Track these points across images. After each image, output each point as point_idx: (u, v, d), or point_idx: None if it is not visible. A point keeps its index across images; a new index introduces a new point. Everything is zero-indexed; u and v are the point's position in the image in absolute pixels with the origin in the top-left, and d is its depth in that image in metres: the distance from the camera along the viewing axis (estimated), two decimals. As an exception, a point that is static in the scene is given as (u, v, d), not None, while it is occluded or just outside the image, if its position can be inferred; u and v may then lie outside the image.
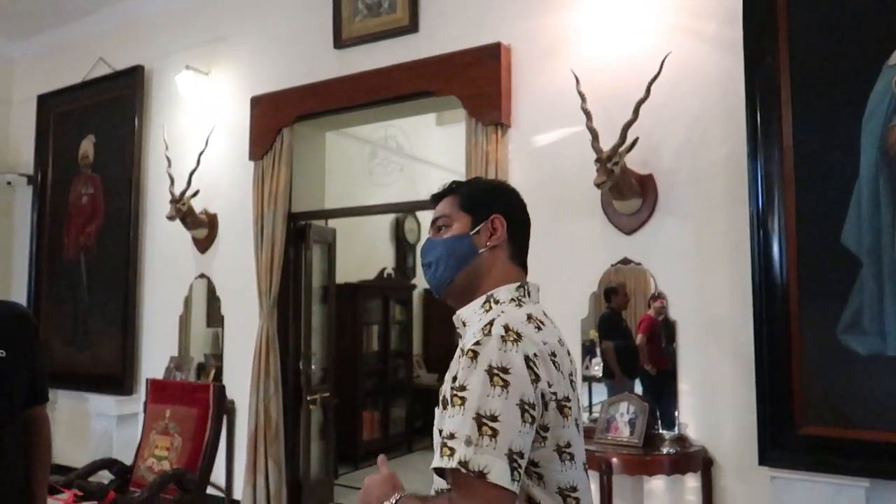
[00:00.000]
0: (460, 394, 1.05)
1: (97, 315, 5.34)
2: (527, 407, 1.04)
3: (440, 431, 1.12)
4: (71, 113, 5.67)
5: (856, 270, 2.64)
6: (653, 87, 3.03)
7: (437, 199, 1.38)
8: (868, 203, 2.63)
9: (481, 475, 0.98)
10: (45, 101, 5.86)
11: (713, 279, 3.12)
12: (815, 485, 2.64)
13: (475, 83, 3.70)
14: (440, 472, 1.10)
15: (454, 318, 1.30)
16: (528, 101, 3.66)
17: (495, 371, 1.05)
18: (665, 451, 2.99)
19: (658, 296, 3.28)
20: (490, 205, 1.32)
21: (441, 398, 1.18)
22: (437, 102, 4.12)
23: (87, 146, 5.55)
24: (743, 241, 2.89)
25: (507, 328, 1.10)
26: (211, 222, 4.89)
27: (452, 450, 1.01)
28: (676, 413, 3.16)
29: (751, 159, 2.85)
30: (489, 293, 1.25)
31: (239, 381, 4.47)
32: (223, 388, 3.08)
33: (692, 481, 3.06)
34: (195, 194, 4.66)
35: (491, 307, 1.23)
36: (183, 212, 4.63)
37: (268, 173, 4.52)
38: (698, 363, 3.13)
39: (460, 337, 1.28)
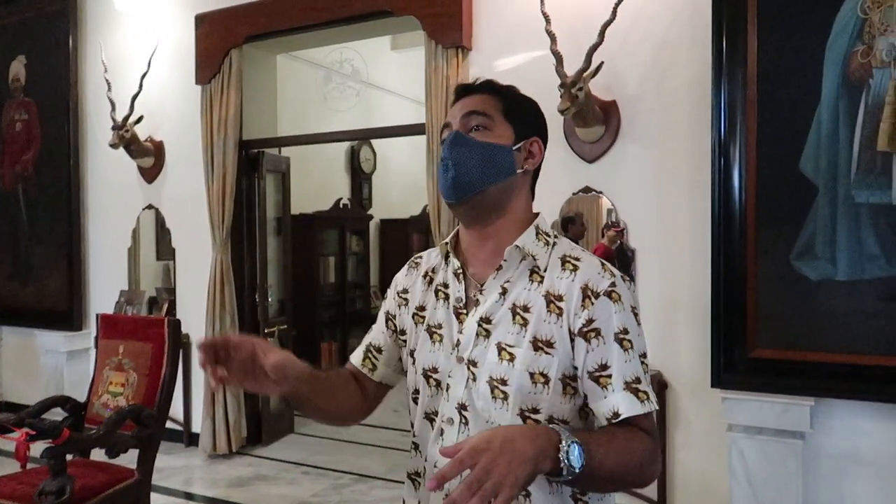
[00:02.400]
0: (626, 337, 1.05)
1: (40, 248, 5.12)
2: None
3: (531, 374, 1.06)
4: (-3, 31, 5.26)
5: (812, 197, 2.68)
6: (619, 9, 2.95)
7: (468, 90, 1.19)
8: (827, 129, 2.65)
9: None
10: (-34, 19, 5.41)
11: (673, 207, 3.13)
12: (763, 404, 2.75)
13: (434, 2, 3.55)
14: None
15: (510, 249, 1.12)
16: (490, 22, 3.53)
17: (635, 311, 1.09)
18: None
19: (612, 224, 3.30)
20: (533, 124, 1.19)
21: (529, 343, 1.07)
22: (394, 24, 3.95)
23: (17, 68, 5.18)
24: (704, 169, 2.90)
25: (618, 271, 1.12)
26: (157, 150, 4.67)
27: (646, 393, 1.05)
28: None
29: (715, 85, 2.82)
30: (535, 224, 1.16)
31: (193, 314, 4.38)
32: (178, 322, 3.00)
33: (647, 403, 3.15)
34: (139, 120, 4.42)
35: (547, 241, 1.15)
36: (126, 139, 4.41)
37: (216, 98, 4.30)
38: (656, 290, 3.18)
39: (499, 268, 1.13)
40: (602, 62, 2.96)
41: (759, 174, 2.75)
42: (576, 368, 1.07)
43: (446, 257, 1.21)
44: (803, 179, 2.68)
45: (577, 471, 0.90)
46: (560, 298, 1.08)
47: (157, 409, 2.84)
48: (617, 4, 2.94)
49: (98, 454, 2.78)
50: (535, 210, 1.21)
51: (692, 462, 3.10)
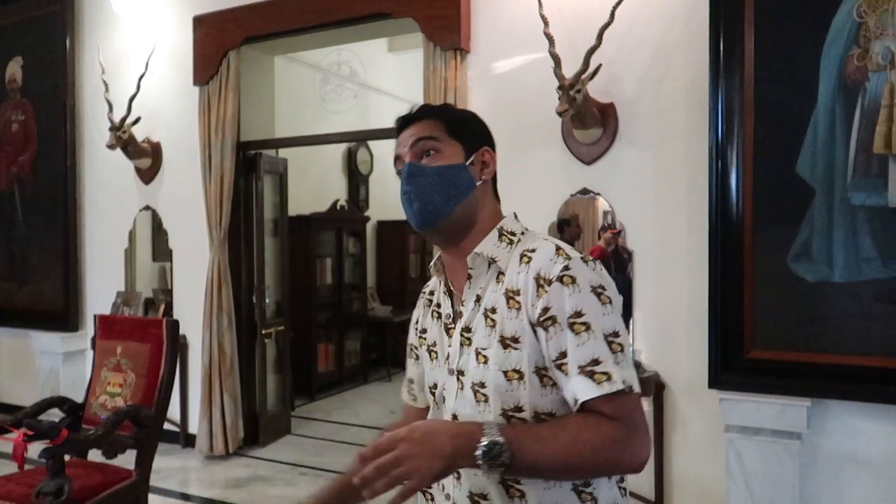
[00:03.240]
0: (579, 320, 1.02)
1: (36, 249, 5.11)
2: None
3: (505, 373, 1.06)
4: (-6, 32, 5.25)
5: (808, 199, 2.70)
6: (617, 13, 2.97)
7: (407, 121, 1.22)
8: (823, 133, 2.67)
9: (631, 389, 1.00)
10: (-37, 19, 5.39)
11: (671, 209, 3.15)
12: (760, 405, 2.76)
13: (433, 5, 3.56)
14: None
15: (471, 257, 1.15)
16: (488, 24, 3.54)
17: (598, 290, 1.05)
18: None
19: (608, 226, 3.31)
20: (477, 134, 1.22)
21: (497, 343, 1.08)
22: (393, 26, 3.96)
23: (14, 69, 5.17)
24: (701, 171, 2.91)
25: (579, 252, 1.09)
26: (154, 151, 4.66)
27: (607, 373, 0.99)
28: (631, 341, 3.24)
29: (712, 88, 2.84)
30: (499, 227, 1.17)
31: (190, 315, 4.37)
32: (177, 322, 2.99)
33: (645, 405, 3.16)
34: (136, 121, 4.42)
35: (511, 240, 1.15)
36: (124, 140, 4.40)
37: (214, 99, 4.31)
38: (654, 292, 3.19)
39: (469, 277, 1.16)
40: (600, 65, 2.97)
41: (756, 177, 2.77)
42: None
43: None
44: (800, 182, 2.70)
45: (495, 467, 0.94)
46: (517, 293, 1.08)
47: (155, 410, 2.83)
48: (615, 7, 2.96)
49: (95, 455, 2.78)
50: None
51: (690, 463, 3.12)
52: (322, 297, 6.20)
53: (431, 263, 1.26)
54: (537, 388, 1.06)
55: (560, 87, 2.94)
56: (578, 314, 1.02)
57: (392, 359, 6.86)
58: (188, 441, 4.53)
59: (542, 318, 1.04)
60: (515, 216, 1.21)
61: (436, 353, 1.22)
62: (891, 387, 2.55)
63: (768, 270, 2.76)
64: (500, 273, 1.12)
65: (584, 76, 2.95)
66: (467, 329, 1.14)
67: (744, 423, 2.79)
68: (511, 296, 1.09)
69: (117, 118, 4.39)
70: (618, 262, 3.30)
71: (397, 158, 1.21)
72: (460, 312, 1.17)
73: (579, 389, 1.00)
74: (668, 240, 3.16)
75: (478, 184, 1.17)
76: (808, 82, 2.68)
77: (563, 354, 1.02)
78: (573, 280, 1.04)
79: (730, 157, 2.81)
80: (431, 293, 1.30)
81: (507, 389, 1.07)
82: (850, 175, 2.62)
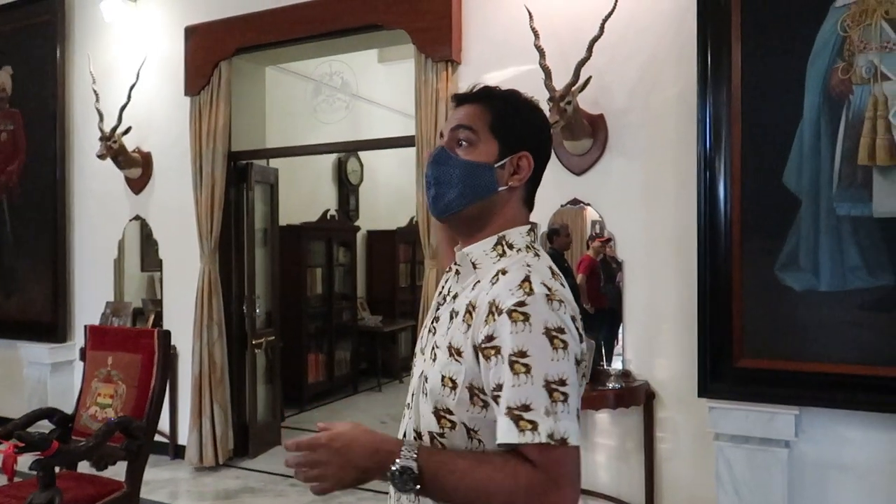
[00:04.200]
0: (521, 360, 0.96)
1: (24, 259, 5.07)
2: (577, 363, 1.02)
3: (442, 377, 1.05)
4: (-17, 41, 5.23)
5: (795, 210, 2.73)
6: (607, 25, 3.01)
7: (463, 99, 1.16)
8: (809, 144, 2.71)
9: (563, 441, 0.95)
10: (-48, 28, 5.37)
11: (660, 219, 3.18)
12: (749, 413, 2.79)
13: (425, 17, 3.59)
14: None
15: (458, 254, 1.14)
16: (479, 36, 3.58)
17: (553, 333, 0.98)
18: (610, 386, 3.10)
19: (596, 235, 3.34)
20: (523, 137, 1.14)
21: (446, 347, 1.06)
22: (384, 37, 3.99)
23: (3, 78, 5.14)
24: (690, 181, 2.95)
25: (548, 288, 1.02)
26: (145, 161, 4.66)
27: (533, 423, 0.94)
28: (621, 349, 3.27)
29: (700, 100, 2.88)
30: (500, 234, 1.12)
31: (180, 326, 4.36)
32: (168, 333, 2.99)
33: (635, 414, 3.18)
34: (127, 131, 4.41)
35: (505, 252, 1.11)
36: (114, 150, 4.40)
37: (205, 110, 4.31)
38: (643, 301, 3.22)
39: (456, 273, 1.15)
40: (590, 77, 3.01)
41: (744, 187, 2.81)
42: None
43: None
44: (787, 192, 2.74)
45: (404, 490, 0.97)
46: (474, 309, 1.05)
47: (146, 421, 2.82)
48: (605, 20, 3.01)
49: (85, 467, 2.76)
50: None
51: (679, 471, 3.14)
52: (312, 307, 6.19)
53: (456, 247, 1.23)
54: (465, 404, 1.03)
55: (550, 99, 2.97)
56: (522, 354, 0.97)
57: (382, 369, 6.86)
58: (178, 452, 4.50)
59: (484, 346, 1.01)
60: (531, 230, 1.16)
61: (426, 326, 1.21)
62: (877, 395, 2.58)
63: (756, 280, 2.79)
64: (478, 281, 1.10)
65: (574, 88, 2.99)
66: (436, 318, 1.14)
67: (733, 432, 2.82)
68: (469, 310, 1.06)
69: (108, 128, 4.39)
70: (607, 271, 3.33)
71: (440, 136, 1.18)
72: (446, 300, 1.16)
73: (501, 430, 0.97)
74: (657, 249, 3.19)
75: (501, 188, 1.12)
76: (793, 95, 2.72)
77: (500, 388, 0.98)
78: (525, 318, 0.98)
79: (718, 168, 2.85)
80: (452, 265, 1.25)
81: (440, 393, 1.05)
82: (836, 186, 2.66)
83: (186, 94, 4.41)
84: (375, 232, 7.19)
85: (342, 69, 5.40)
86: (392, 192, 7.31)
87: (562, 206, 3.38)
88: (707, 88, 2.86)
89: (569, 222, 3.48)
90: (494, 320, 1.00)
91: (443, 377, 1.05)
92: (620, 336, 3.28)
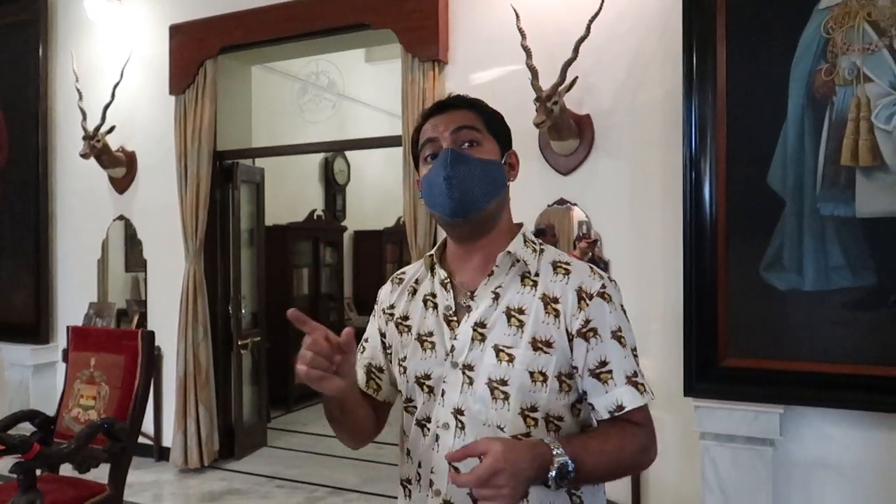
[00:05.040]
0: (621, 334, 1.12)
1: (6, 259, 5.00)
2: None
3: (531, 374, 1.10)
4: (-37, 39, 5.15)
5: (779, 210, 2.75)
6: (593, 26, 3.02)
7: (446, 106, 1.20)
8: (793, 145, 2.73)
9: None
10: (-68, 26, 5.29)
11: (646, 219, 3.19)
12: (734, 412, 2.80)
13: (412, 16, 3.58)
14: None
15: (502, 255, 1.15)
16: (466, 36, 3.57)
17: (624, 309, 1.16)
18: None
19: (583, 236, 3.34)
20: (508, 137, 1.24)
21: (528, 343, 1.10)
22: (371, 36, 3.97)
23: (-16, 76, 5.08)
24: (676, 182, 2.96)
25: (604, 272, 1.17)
26: (129, 161, 4.61)
27: (644, 385, 1.11)
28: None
29: (686, 101, 2.88)
30: (522, 233, 1.20)
31: (165, 327, 4.31)
32: (152, 333, 2.95)
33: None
34: (110, 130, 4.37)
35: (535, 248, 1.19)
36: (98, 149, 4.35)
37: (190, 109, 4.28)
38: (629, 301, 3.20)
39: (490, 274, 1.15)
40: (576, 77, 3.02)
41: (730, 187, 2.82)
42: (574, 367, 1.12)
43: (432, 268, 1.23)
44: (771, 193, 2.76)
45: (563, 485, 1.00)
46: (556, 301, 1.12)
47: (129, 423, 2.79)
48: (591, 21, 3.01)
49: (68, 469, 2.72)
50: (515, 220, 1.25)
51: (666, 470, 3.14)
52: (299, 308, 5.98)
53: (429, 253, 1.24)
54: (555, 392, 1.11)
55: (537, 99, 2.97)
56: (619, 329, 1.13)
57: (369, 369, 6.83)
58: (162, 454, 4.46)
59: (583, 329, 1.11)
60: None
61: (431, 343, 1.18)
62: (860, 393, 2.60)
63: (742, 280, 2.80)
64: (527, 276, 1.15)
65: (560, 88, 2.99)
66: (482, 325, 1.14)
67: (718, 431, 2.83)
68: (549, 302, 1.12)
69: (91, 127, 4.35)
70: (594, 271, 3.33)
71: (430, 141, 1.18)
72: (468, 306, 1.16)
73: (626, 397, 1.09)
74: (643, 249, 3.20)
75: (508, 184, 1.21)
76: (778, 96, 2.74)
77: (604, 363, 1.10)
78: (610, 298, 1.13)
79: (703, 169, 2.86)
80: (417, 281, 1.26)
81: (531, 390, 1.10)
82: (819, 186, 2.68)
83: (171, 92, 4.37)
84: (362, 232, 7.17)
85: (329, 68, 5.39)
86: (379, 192, 7.30)
87: (548, 205, 3.38)
88: (693, 89, 2.87)
89: (556, 223, 3.48)
90: (587, 305, 1.11)
91: (531, 373, 1.10)
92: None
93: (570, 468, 0.99)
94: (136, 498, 3.82)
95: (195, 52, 4.28)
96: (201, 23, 4.28)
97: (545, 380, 1.10)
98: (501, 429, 1.10)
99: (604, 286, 1.13)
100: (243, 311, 4.67)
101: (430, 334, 1.19)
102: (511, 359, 1.11)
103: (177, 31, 4.37)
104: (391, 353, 1.27)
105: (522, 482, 0.96)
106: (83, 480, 2.75)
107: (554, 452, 0.99)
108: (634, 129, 3.20)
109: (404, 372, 1.22)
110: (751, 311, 2.79)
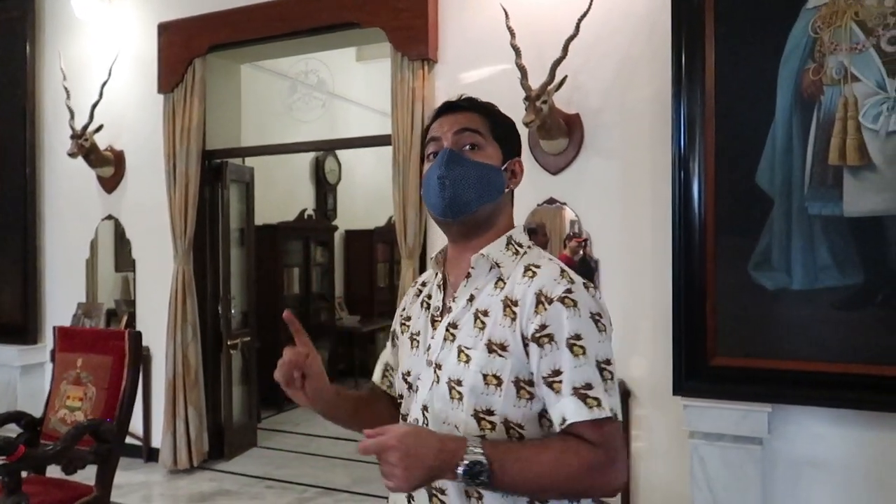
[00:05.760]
0: (578, 343, 1.04)
1: (-8, 259, 4.97)
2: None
3: (485, 376, 1.08)
4: (-50, 37, 5.11)
5: (768, 209, 2.75)
6: (582, 25, 3.02)
7: (452, 107, 1.21)
8: (781, 144, 2.73)
9: (615, 417, 1.03)
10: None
11: (635, 218, 3.20)
12: (722, 411, 2.81)
13: (401, 15, 3.57)
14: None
15: (475, 256, 1.15)
16: (456, 35, 3.57)
17: (596, 317, 1.07)
18: (587, 384, 3.08)
19: (573, 235, 3.35)
20: (515, 144, 1.24)
21: (484, 346, 1.09)
22: (361, 35, 3.96)
23: (-29, 75, 5.04)
24: (665, 181, 2.96)
25: (582, 278, 1.11)
26: (117, 159, 4.59)
27: (598, 399, 1.02)
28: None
29: (674, 100, 2.89)
30: (508, 235, 1.18)
31: (154, 327, 4.29)
32: (139, 334, 2.93)
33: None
34: (98, 129, 4.34)
35: (517, 250, 1.17)
36: (86, 148, 4.32)
37: (179, 107, 4.25)
38: (619, 300, 3.23)
39: (467, 276, 1.17)
40: (566, 76, 3.02)
41: (718, 187, 2.83)
42: (532, 374, 1.07)
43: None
44: (759, 192, 2.76)
45: (474, 485, 0.99)
46: (515, 304, 1.09)
47: (116, 424, 2.77)
48: (580, 20, 3.01)
49: (54, 471, 2.70)
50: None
51: (655, 469, 3.15)
52: (289, 307, 6.10)
53: (435, 254, 1.27)
54: (511, 398, 1.07)
55: (526, 98, 2.97)
56: (577, 337, 1.04)
57: (360, 369, 6.82)
58: (151, 455, 4.43)
59: (537, 335, 1.06)
60: (524, 229, 1.23)
61: (418, 342, 1.22)
62: (848, 392, 2.61)
63: (730, 279, 2.81)
64: (500, 279, 1.14)
65: (550, 87, 2.99)
66: (454, 325, 1.15)
67: (707, 429, 2.83)
68: (508, 304, 1.10)
69: (79, 125, 4.32)
70: (584, 270, 3.33)
71: (433, 140, 1.20)
72: (450, 307, 1.18)
73: (569, 410, 1.02)
74: (632, 248, 3.20)
75: (506, 191, 1.20)
76: (766, 95, 2.75)
77: (557, 373, 1.04)
78: (574, 303, 1.06)
79: (692, 168, 2.87)
80: (423, 284, 1.30)
81: (483, 392, 1.08)
82: (807, 185, 2.69)
83: (160, 91, 4.35)
84: (353, 231, 7.16)
85: (318, 67, 5.37)
86: (370, 192, 7.28)
87: (538, 205, 3.38)
88: (681, 89, 2.87)
89: (546, 222, 3.49)
90: (546, 309, 1.06)
91: (485, 375, 1.08)
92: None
93: (482, 468, 0.97)
94: (125, 499, 3.80)
95: (184, 50, 4.26)
96: (190, 21, 4.26)
97: (499, 384, 1.07)
98: (458, 428, 1.09)
99: (569, 291, 1.07)
100: (233, 310, 4.64)
101: (419, 333, 1.23)
102: (468, 360, 1.10)
103: (165, 30, 4.34)
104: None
105: (420, 468, 0.96)
106: (70, 482, 2.73)
107: (468, 449, 0.98)
108: (624, 128, 3.20)
109: (398, 369, 1.27)
110: (739, 310, 2.80)
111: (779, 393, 2.74)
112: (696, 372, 2.86)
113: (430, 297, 1.25)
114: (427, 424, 1.13)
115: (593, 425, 1.01)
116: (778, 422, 2.81)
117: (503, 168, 1.18)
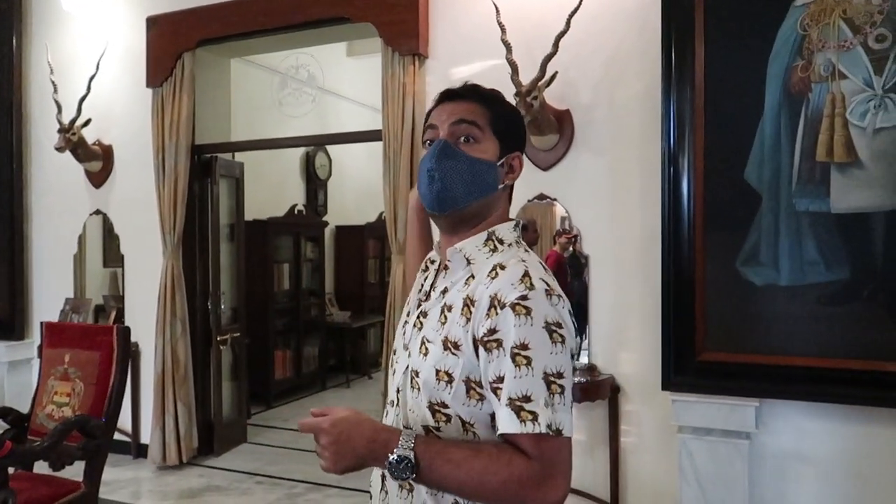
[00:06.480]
0: (523, 353, 0.99)
1: (-21, 255, 4.92)
2: (572, 357, 1.06)
3: (437, 371, 1.07)
4: (-66, 29, 5.05)
5: (756, 205, 2.77)
6: (572, 21, 3.02)
7: (455, 95, 1.16)
8: (770, 141, 2.75)
9: (559, 432, 0.99)
10: None
11: (625, 214, 3.21)
12: (710, 406, 2.83)
13: (392, 10, 3.56)
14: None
15: (450, 249, 1.14)
16: (447, 30, 3.56)
17: (552, 327, 1.01)
18: (576, 379, 3.11)
19: (564, 231, 3.36)
20: (516, 138, 1.19)
21: (441, 342, 1.08)
22: (351, 30, 3.95)
23: (-44, 67, 4.98)
24: (654, 177, 2.97)
25: (547, 283, 1.05)
26: (106, 154, 4.55)
27: (534, 414, 0.98)
28: (587, 344, 3.29)
29: (664, 96, 2.90)
30: (490, 230, 1.15)
31: (143, 322, 4.28)
32: (128, 329, 2.92)
33: (600, 407, 3.21)
34: (86, 123, 4.30)
35: (496, 247, 1.13)
36: (73, 142, 4.29)
37: (168, 102, 4.23)
38: (609, 296, 3.24)
39: (445, 268, 1.16)
40: (556, 72, 3.02)
41: (707, 183, 2.84)
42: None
43: None
44: (748, 188, 2.77)
45: (401, 479, 1.00)
46: (472, 304, 1.06)
47: (105, 420, 2.76)
48: (571, 16, 3.01)
49: (42, 467, 2.69)
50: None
51: (643, 463, 3.17)
52: (279, 303, 6.12)
53: (438, 240, 1.26)
54: (461, 397, 1.05)
55: (517, 94, 2.97)
56: (523, 346, 1.00)
57: (351, 365, 6.82)
58: (140, 451, 4.41)
59: (485, 339, 1.03)
60: (517, 226, 1.19)
61: (405, 322, 1.22)
62: (834, 386, 2.63)
63: (719, 274, 2.82)
64: (472, 276, 1.11)
65: (540, 83, 2.99)
66: (425, 314, 1.15)
67: (695, 424, 2.85)
68: (467, 303, 1.07)
69: (66, 119, 4.28)
70: (574, 266, 3.35)
71: (430, 128, 1.16)
72: (429, 296, 1.18)
73: (502, 421, 1.00)
74: (622, 244, 3.22)
75: (500, 187, 1.15)
76: (755, 92, 2.76)
77: (500, 380, 1.01)
78: (527, 311, 1.01)
79: (681, 164, 2.88)
80: (432, 261, 1.27)
81: (435, 387, 1.07)
82: (795, 182, 2.70)
83: (148, 85, 4.32)
84: (344, 227, 7.14)
85: (309, 62, 5.35)
86: (361, 187, 7.26)
87: (528, 201, 3.39)
88: (671, 85, 2.88)
89: (537, 218, 3.49)
90: (497, 314, 1.02)
91: (437, 371, 1.07)
92: (587, 330, 3.30)
93: (409, 463, 0.98)
94: (113, 495, 3.78)
95: (173, 44, 4.23)
96: (179, 15, 4.23)
97: (450, 381, 1.06)
98: (417, 416, 1.10)
99: (524, 297, 1.01)
100: (223, 306, 4.63)
101: (409, 315, 1.23)
102: (426, 353, 1.10)
103: (154, 23, 4.31)
104: None
105: (349, 454, 1.00)
106: (57, 478, 2.71)
107: (400, 444, 0.99)
108: (614, 124, 3.21)
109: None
110: (728, 305, 2.81)
111: (766, 388, 2.76)
112: (684, 367, 2.88)
113: (425, 280, 1.24)
114: (397, 405, 1.15)
115: (531, 438, 0.98)
116: (765, 416, 2.83)
117: (500, 163, 1.14)
